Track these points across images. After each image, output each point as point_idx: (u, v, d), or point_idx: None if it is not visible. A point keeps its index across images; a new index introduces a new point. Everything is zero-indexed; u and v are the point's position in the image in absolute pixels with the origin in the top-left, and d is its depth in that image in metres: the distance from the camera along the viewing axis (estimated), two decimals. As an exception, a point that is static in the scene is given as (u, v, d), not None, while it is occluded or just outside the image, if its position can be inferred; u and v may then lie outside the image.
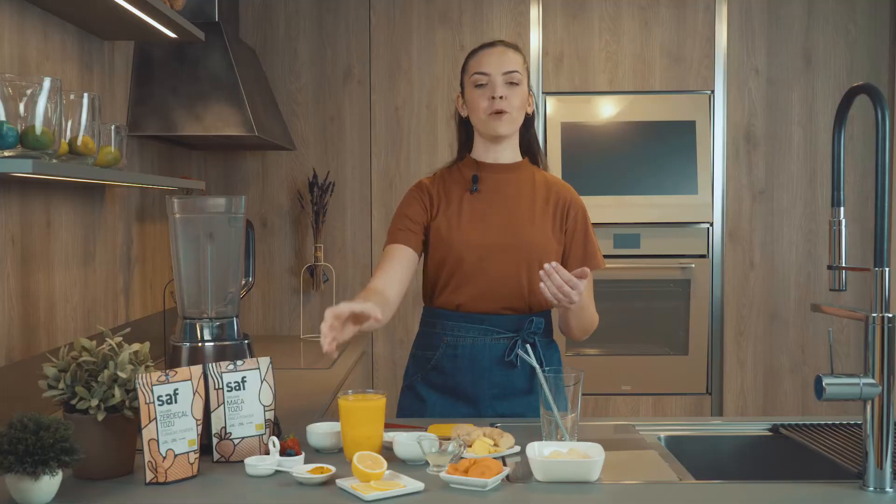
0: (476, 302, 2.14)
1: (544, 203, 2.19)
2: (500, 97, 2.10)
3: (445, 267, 2.15)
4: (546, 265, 1.87)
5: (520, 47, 2.22)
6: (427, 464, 1.61)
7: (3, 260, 2.07)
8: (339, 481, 1.53)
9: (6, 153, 1.74)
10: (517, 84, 2.13)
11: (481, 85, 2.13)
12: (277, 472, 1.61)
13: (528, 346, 1.97)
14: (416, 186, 2.23)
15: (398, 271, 2.10)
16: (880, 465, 1.50)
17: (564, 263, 2.17)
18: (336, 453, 1.74)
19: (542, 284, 1.88)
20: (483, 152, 2.21)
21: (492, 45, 2.19)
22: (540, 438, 1.74)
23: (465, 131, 2.26)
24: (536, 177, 2.22)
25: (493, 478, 1.49)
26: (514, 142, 2.22)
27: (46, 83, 1.79)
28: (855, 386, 1.50)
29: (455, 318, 2.16)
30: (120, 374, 1.57)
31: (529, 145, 2.25)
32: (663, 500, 1.50)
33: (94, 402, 1.55)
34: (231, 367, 1.71)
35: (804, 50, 3.87)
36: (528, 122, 2.23)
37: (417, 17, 3.85)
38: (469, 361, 2.14)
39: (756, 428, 1.98)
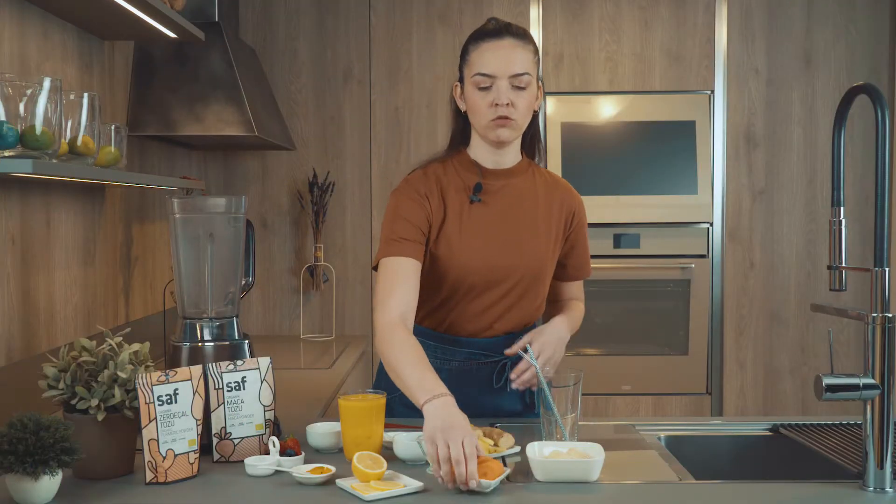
0: (468, 324, 1.98)
1: (547, 210, 2.00)
2: (507, 104, 1.87)
3: (439, 288, 1.95)
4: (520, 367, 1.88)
5: (529, 35, 1.95)
6: (427, 464, 1.61)
7: (3, 260, 2.07)
8: (338, 481, 1.53)
9: (6, 153, 1.74)
10: (525, 88, 1.88)
11: (485, 88, 1.88)
12: (277, 472, 1.61)
13: (527, 345, 1.90)
14: (412, 188, 1.96)
15: (415, 293, 1.87)
16: (880, 465, 1.49)
17: (557, 268, 2.05)
18: (336, 453, 1.74)
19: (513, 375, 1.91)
20: (482, 154, 1.98)
21: (498, 35, 1.90)
22: (540, 438, 1.74)
23: (462, 123, 2.01)
24: (537, 179, 2.02)
25: (494, 479, 1.49)
26: (517, 144, 2.00)
27: (46, 83, 1.79)
28: (855, 386, 1.50)
29: (442, 341, 1.99)
30: (120, 374, 1.57)
31: (531, 141, 2.03)
32: (663, 500, 1.50)
33: (94, 402, 1.55)
34: (231, 367, 1.71)
35: (804, 50, 3.87)
36: (533, 117, 1.99)
37: (417, 17, 3.85)
38: (455, 385, 1.88)
39: (756, 428, 1.98)
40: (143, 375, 1.56)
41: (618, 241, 3.84)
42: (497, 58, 1.88)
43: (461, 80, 1.97)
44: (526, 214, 1.99)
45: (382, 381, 2.03)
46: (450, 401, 1.62)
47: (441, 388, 1.65)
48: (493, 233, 1.95)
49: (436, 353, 1.98)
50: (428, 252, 1.94)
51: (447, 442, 1.50)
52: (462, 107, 1.97)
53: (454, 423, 1.55)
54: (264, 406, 1.73)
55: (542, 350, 1.91)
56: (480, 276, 1.94)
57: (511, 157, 1.99)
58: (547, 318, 2.06)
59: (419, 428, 1.85)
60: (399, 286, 1.85)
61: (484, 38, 1.91)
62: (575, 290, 2.13)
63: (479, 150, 1.99)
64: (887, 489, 1.49)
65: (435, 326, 2.01)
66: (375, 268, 1.93)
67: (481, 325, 1.98)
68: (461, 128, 2.02)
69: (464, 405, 1.83)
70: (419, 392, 1.65)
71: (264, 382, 1.74)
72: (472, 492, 1.49)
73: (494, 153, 1.97)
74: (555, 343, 1.93)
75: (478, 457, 1.52)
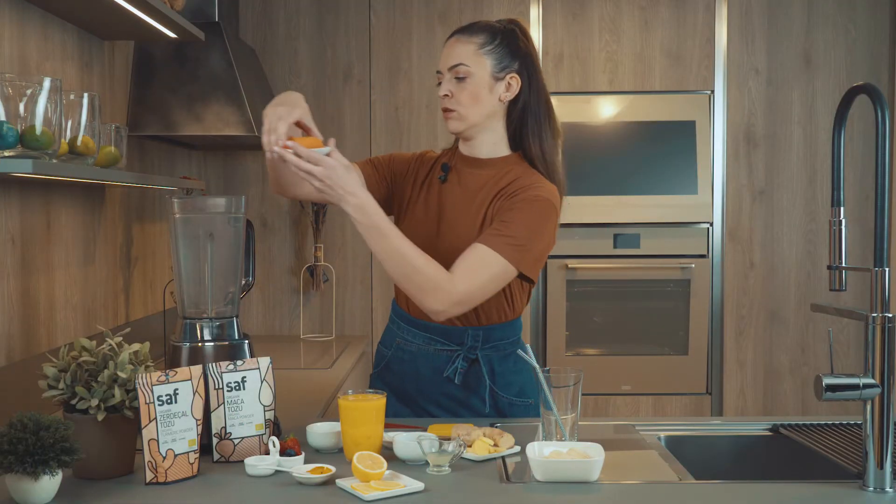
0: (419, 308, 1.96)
1: (493, 201, 1.97)
2: (445, 95, 1.96)
3: None
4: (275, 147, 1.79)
5: (487, 25, 2.00)
6: (427, 464, 1.61)
7: (3, 260, 2.07)
8: (338, 481, 1.53)
9: (6, 153, 1.74)
10: (463, 79, 1.94)
11: (439, 84, 2.00)
12: (277, 472, 1.61)
13: (527, 345, 1.88)
14: (420, 154, 2.11)
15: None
16: (880, 465, 1.49)
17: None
18: (336, 453, 1.74)
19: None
20: (462, 143, 2.06)
21: (451, 35, 2.02)
22: (540, 438, 1.74)
23: None
24: (508, 175, 1.97)
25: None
26: (493, 136, 2.01)
27: (46, 83, 1.79)
28: (855, 386, 1.50)
29: (406, 321, 2.06)
30: (120, 374, 1.57)
31: (517, 140, 2.02)
32: (663, 500, 1.50)
33: (94, 402, 1.55)
34: (231, 367, 1.71)
35: (804, 50, 3.87)
36: (512, 107, 1.99)
37: (417, 17, 3.85)
38: (413, 368, 2.06)
39: (756, 428, 1.98)
40: (143, 375, 1.56)
41: (618, 241, 3.84)
42: (443, 55, 2.00)
43: None
44: (476, 204, 1.98)
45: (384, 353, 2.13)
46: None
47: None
48: (445, 215, 2.00)
49: (403, 334, 2.07)
50: (395, 214, 2.07)
51: (266, 113, 1.78)
52: None
53: (276, 102, 1.83)
54: (264, 406, 1.73)
55: (322, 163, 1.83)
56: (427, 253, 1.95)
57: (486, 149, 2.02)
58: None
59: (419, 428, 1.86)
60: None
61: (446, 41, 2.03)
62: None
63: (462, 142, 2.06)
64: (887, 489, 1.49)
65: (404, 306, 2.08)
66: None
67: None
68: None
69: (419, 388, 2.00)
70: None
71: (264, 382, 1.74)
72: (472, 492, 1.49)
73: (466, 144, 2.04)
74: (329, 176, 1.84)
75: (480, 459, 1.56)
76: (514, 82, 1.97)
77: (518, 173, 1.98)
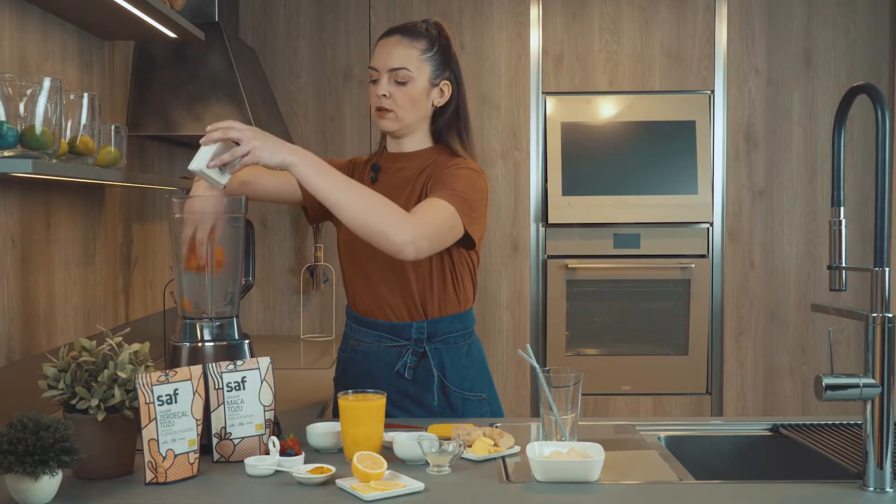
0: (370, 306, 2.07)
1: (426, 182, 2.03)
2: (384, 95, 2.01)
3: (344, 266, 2.13)
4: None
5: (426, 31, 2.06)
6: (427, 464, 1.61)
7: (3, 260, 2.07)
8: (338, 481, 1.53)
9: (6, 153, 1.74)
10: (404, 83, 2.00)
11: (374, 80, 2.03)
12: (277, 472, 1.61)
13: (527, 345, 1.90)
14: (351, 160, 2.19)
15: (275, 176, 2.05)
16: (880, 465, 1.49)
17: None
18: (336, 453, 1.74)
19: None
20: (390, 142, 2.12)
21: (388, 34, 2.06)
22: (540, 438, 1.74)
23: None
24: (437, 163, 2.05)
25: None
26: (421, 135, 2.09)
27: (46, 83, 1.79)
28: (855, 386, 1.50)
29: (357, 322, 2.12)
30: (120, 374, 1.57)
31: (440, 136, 2.10)
32: (663, 500, 1.50)
33: (94, 402, 1.55)
34: (231, 367, 1.71)
35: (804, 50, 3.87)
36: (440, 113, 2.08)
37: (417, 17, 3.82)
38: (366, 367, 2.09)
39: (756, 428, 1.98)
40: (143, 375, 1.56)
41: (618, 241, 3.84)
42: (381, 53, 2.03)
43: None
44: (408, 191, 2.04)
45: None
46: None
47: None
48: None
49: (354, 334, 2.12)
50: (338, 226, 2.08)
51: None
52: None
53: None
54: (264, 406, 1.73)
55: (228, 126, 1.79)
56: (358, 251, 2.04)
57: (412, 143, 2.10)
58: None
59: (419, 428, 1.86)
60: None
61: (382, 36, 2.08)
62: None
63: (390, 140, 2.13)
64: (887, 489, 1.49)
65: (353, 306, 2.13)
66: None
67: (375, 306, 2.07)
68: None
69: (374, 386, 1.99)
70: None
71: (264, 382, 1.74)
72: (471, 492, 1.49)
73: (393, 141, 2.11)
74: (249, 130, 1.78)
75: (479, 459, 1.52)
76: (447, 88, 2.07)
77: (444, 158, 2.07)
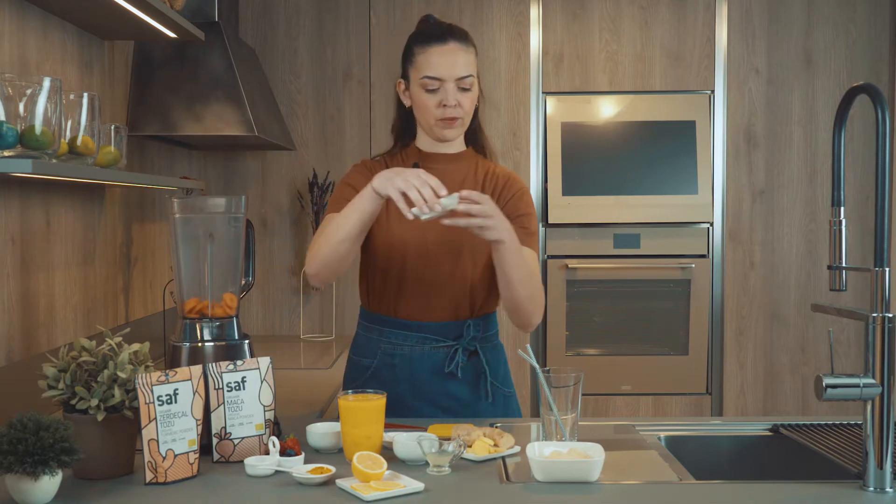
0: (415, 307, 2.03)
1: (480, 191, 2.01)
2: (454, 105, 1.99)
3: (383, 268, 2.03)
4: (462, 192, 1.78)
5: (469, 36, 2.06)
6: (427, 464, 1.61)
7: (3, 260, 2.07)
8: (338, 481, 1.53)
9: (6, 153, 1.74)
10: (470, 89, 2.01)
11: (432, 90, 1.99)
12: (277, 472, 1.61)
13: (527, 345, 1.90)
14: (364, 166, 2.10)
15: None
16: (880, 465, 1.49)
17: None
18: (336, 453, 1.74)
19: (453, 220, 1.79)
20: (427, 144, 2.10)
21: (442, 40, 2.00)
22: (540, 438, 1.74)
23: (406, 118, 2.12)
24: (479, 166, 2.10)
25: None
26: (460, 137, 2.11)
27: (46, 83, 1.79)
28: (855, 386, 1.50)
29: (392, 325, 2.05)
30: (120, 374, 1.57)
31: (474, 135, 2.13)
32: (663, 500, 1.50)
33: (94, 402, 1.55)
34: (231, 367, 1.71)
35: (804, 50, 3.87)
36: (475, 112, 2.10)
37: (417, 17, 3.82)
38: (408, 371, 2.04)
39: (756, 428, 1.98)
40: (143, 375, 1.56)
41: (618, 241, 3.84)
42: (444, 62, 1.98)
43: (405, 77, 2.07)
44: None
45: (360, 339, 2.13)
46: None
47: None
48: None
49: (389, 339, 2.06)
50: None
51: (404, 178, 1.74)
52: (407, 103, 2.08)
53: (401, 169, 1.77)
54: (264, 406, 1.73)
55: (482, 201, 1.80)
56: (411, 254, 2.00)
57: (454, 147, 2.10)
58: (504, 290, 1.99)
59: (419, 428, 1.86)
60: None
61: (430, 42, 2.01)
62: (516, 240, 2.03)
63: (424, 141, 2.10)
64: (887, 489, 1.49)
65: (385, 311, 2.06)
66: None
67: (422, 306, 2.03)
68: (405, 123, 2.13)
69: (416, 390, 1.99)
70: (362, 194, 1.84)
71: (264, 382, 1.74)
72: (471, 492, 1.49)
73: (437, 145, 2.09)
74: (494, 210, 1.81)
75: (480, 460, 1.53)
76: (479, 88, 2.09)
77: (487, 165, 2.12)
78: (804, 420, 1.99)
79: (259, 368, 1.74)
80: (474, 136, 2.14)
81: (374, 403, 1.69)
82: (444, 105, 1.98)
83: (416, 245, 2.00)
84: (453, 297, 2.03)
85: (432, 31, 2.04)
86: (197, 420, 1.61)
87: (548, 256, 3.86)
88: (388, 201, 1.88)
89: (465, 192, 1.79)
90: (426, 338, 2.04)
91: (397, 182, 1.75)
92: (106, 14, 2.33)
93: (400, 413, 2.03)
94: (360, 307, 2.16)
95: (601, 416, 3.77)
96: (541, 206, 3.86)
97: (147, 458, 1.55)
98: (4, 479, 1.43)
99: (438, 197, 1.73)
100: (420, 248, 2.00)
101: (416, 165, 2.05)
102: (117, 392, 1.55)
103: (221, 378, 1.70)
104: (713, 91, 3.86)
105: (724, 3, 3.85)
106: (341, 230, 1.87)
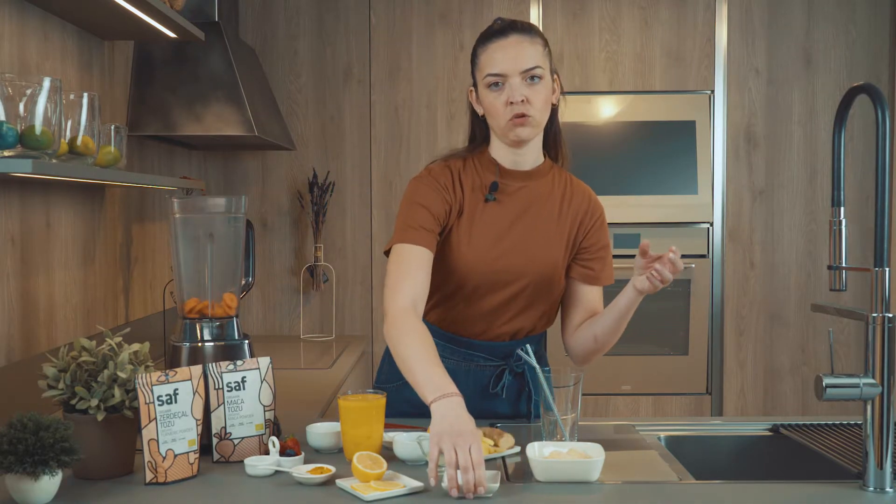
0: (470, 324, 1.94)
1: (562, 215, 1.97)
2: (521, 101, 1.83)
3: (444, 283, 1.92)
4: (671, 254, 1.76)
5: (535, 28, 1.91)
6: (427, 464, 1.61)
7: (3, 260, 2.07)
8: (338, 481, 1.53)
9: (6, 153, 1.74)
10: (539, 81, 1.84)
11: (496, 85, 1.85)
12: (277, 472, 1.61)
13: (527, 345, 1.86)
14: (433, 178, 1.92)
15: (427, 282, 1.82)
16: (880, 465, 1.49)
17: (577, 268, 2.01)
18: (336, 453, 1.74)
19: (653, 272, 1.81)
20: (502, 155, 1.94)
21: (503, 34, 1.87)
22: (540, 438, 1.74)
23: (481, 127, 1.98)
24: (556, 183, 1.98)
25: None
26: (538, 141, 1.95)
27: (46, 83, 1.79)
28: (855, 386, 1.50)
29: (440, 337, 1.93)
30: (120, 374, 1.57)
31: (554, 140, 2.00)
32: (663, 500, 1.50)
33: (94, 402, 1.55)
34: (231, 367, 1.71)
35: (804, 50, 3.87)
36: (553, 113, 1.95)
37: (417, 17, 3.85)
38: None
39: (756, 428, 1.98)
40: (143, 375, 1.56)
41: (618, 240, 3.83)
42: (505, 56, 1.84)
43: (475, 84, 1.93)
44: (540, 219, 1.94)
45: (386, 366, 2.03)
46: (459, 401, 1.59)
47: (451, 386, 1.61)
48: (504, 235, 1.92)
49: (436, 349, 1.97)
50: (441, 242, 1.91)
51: (454, 447, 1.47)
52: (479, 111, 1.94)
53: (463, 430, 1.51)
54: (264, 406, 1.73)
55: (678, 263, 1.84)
56: (485, 277, 1.90)
57: (531, 158, 1.95)
58: (565, 322, 2.03)
59: (419, 428, 1.85)
60: (412, 273, 1.81)
61: (490, 39, 1.88)
62: (593, 297, 2.05)
63: (498, 151, 1.95)
64: (887, 489, 1.49)
65: (438, 322, 1.97)
66: (387, 252, 1.89)
67: (483, 327, 1.95)
68: (480, 131, 1.99)
69: None
70: (428, 388, 1.61)
71: (264, 382, 1.74)
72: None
73: (514, 153, 1.93)
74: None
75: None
76: (558, 85, 1.94)
77: (564, 180, 2.01)
78: (804, 420, 1.99)
79: (259, 368, 1.74)
80: (554, 145, 2.00)
81: (374, 403, 1.69)
82: (511, 102, 1.83)
83: (488, 271, 1.89)
84: (511, 320, 1.95)
85: (494, 28, 1.90)
86: (197, 420, 1.61)
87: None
88: (460, 223, 1.88)
89: (672, 255, 1.79)
90: (474, 355, 1.97)
91: (445, 443, 1.49)
92: (106, 14, 2.33)
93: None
94: None
95: (601, 416, 3.77)
96: (541, 206, 3.86)
97: (147, 458, 1.55)
98: (4, 479, 1.43)
99: (475, 490, 1.47)
100: (491, 273, 1.89)
101: (493, 186, 1.92)
102: (117, 392, 1.55)
103: (221, 378, 1.70)
104: (713, 91, 3.86)
105: (724, 3, 3.85)
106: (400, 364, 1.72)
